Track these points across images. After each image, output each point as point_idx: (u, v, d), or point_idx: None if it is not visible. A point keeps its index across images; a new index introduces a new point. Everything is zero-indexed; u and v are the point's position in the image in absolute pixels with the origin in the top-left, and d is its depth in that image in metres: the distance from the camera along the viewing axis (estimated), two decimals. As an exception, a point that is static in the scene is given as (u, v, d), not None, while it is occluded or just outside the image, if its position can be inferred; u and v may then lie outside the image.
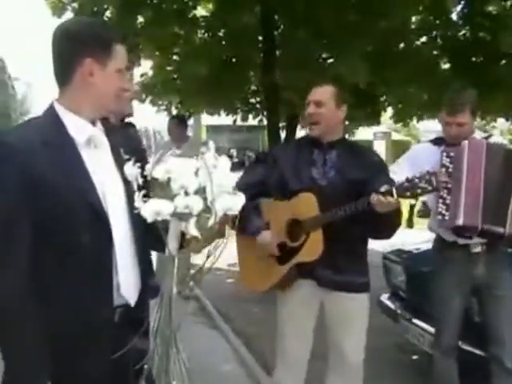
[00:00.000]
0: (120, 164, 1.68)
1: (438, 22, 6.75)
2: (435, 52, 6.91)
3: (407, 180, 2.39)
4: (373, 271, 4.62)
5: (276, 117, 6.59)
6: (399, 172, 2.84)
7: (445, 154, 2.90)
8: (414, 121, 8.24)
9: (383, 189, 2.38)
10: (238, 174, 2.84)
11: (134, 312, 1.69)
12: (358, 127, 7.71)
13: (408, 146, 33.13)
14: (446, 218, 2.89)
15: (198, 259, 1.70)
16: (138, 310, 1.70)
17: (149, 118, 6.28)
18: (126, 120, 3.09)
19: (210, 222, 1.54)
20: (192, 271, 6.99)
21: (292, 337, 2.76)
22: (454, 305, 3.06)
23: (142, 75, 7.43)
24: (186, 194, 1.53)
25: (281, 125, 7.19)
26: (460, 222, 2.83)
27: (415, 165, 2.80)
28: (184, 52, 6.89)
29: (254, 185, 2.77)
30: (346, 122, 7.99)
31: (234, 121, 8.01)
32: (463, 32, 6.85)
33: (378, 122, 8.05)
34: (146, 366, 1.56)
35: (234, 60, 6.45)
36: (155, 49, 6.73)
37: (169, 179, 1.55)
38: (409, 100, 6.91)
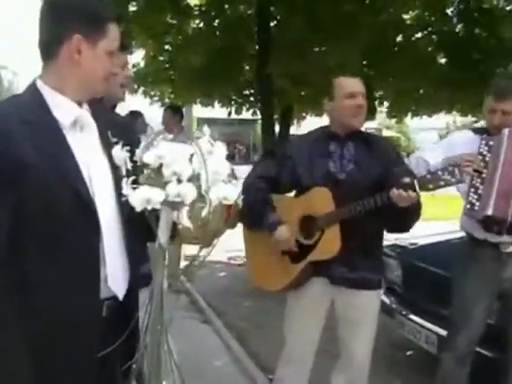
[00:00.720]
0: (108, 148, 1.58)
1: (433, 18, 6.67)
2: (431, 47, 6.83)
3: (429, 172, 2.34)
4: None
5: (270, 109, 6.50)
6: (431, 155, 2.79)
7: (484, 142, 2.76)
8: (409, 117, 8.17)
9: (404, 182, 2.31)
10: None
11: (124, 305, 1.59)
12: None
13: (398, 143, 33.34)
14: (476, 208, 2.74)
15: (190, 250, 1.60)
16: (127, 304, 1.60)
17: (142, 110, 6.13)
18: (133, 109, 2.99)
19: (204, 212, 1.44)
20: (184, 263, 6.96)
21: (300, 334, 2.69)
22: (478, 308, 2.83)
23: (133, 65, 7.30)
24: (179, 181, 1.44)
25: (275, 117, 7.10)
26: (489, 211, 2.68)
27: (451, 151, 2.69)
28: (177, 42, 6.77)
29: (266, 179, 2.69)
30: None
31: (229, 113, 7.89)
32: (459, 27, 6.78)
33: (373, 118, 7.96)
34: (134, 366, 1.47)
35: (228, 51, 6.33)
36: (147, 37, 6.60)
37: (160, 165, 1.45)
38: (404, 95, 6.82)
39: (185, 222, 1.44)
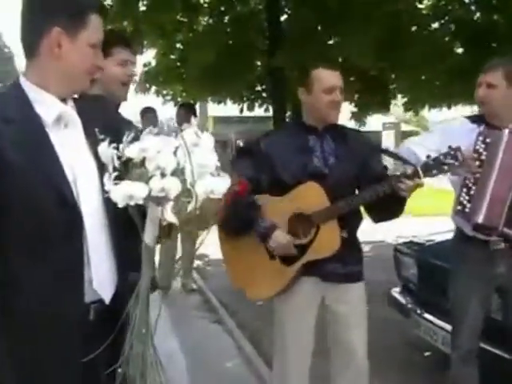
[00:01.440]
0: (94, 145, 1.48)
1: (450, 7, 6.50)
2: (448, 37, 6.66)
3: (431, 159, 2.27)
4: (383, 264, 4.43)
5: (282, 104, 6.39)
6: (426, 140, 2.68)
7: (481, 138, 2.59)
8: (426, 110, 7.99)
9: (409, 171, 2.27)
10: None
11: (112, 309, 1.50)
12: (367, 116, 7.45)
13: None
14: (467, 210, 2.61)
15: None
16: (116, 307, 1.51)
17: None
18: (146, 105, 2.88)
19: (190, 207, 1.35)
20: (197, 263, 6.92)
21: (294, 336, 2.56)
22: (472, 305, 2.74)
23: (145, 65, 7.27)
24: (163, 175, 1.35)
25: (288, 114, 7.00)
26: (479, 219, 2.57)
27: (446, 139, 2.52)
28: (187, 39, 6.71)
29: (248, 180, 2.50)
30: (355, 109, 7.76)
31: (241, 110, 7.81)
32: (477, 16, 6.60)
33: (388, 110, 7.81)
34: (119, 370, 1.38)
35: (238, 47, 6.24)
36: (158, 36, 6.55)
37: (144, 159, 1.37)
38: (420, 87, 6.65)
39: (169, 217, 1.34)
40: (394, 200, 2.34)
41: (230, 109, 8.66)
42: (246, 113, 8.04)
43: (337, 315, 2.56)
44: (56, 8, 1.45)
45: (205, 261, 7.18)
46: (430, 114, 9.93)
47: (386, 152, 2.66)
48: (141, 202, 1.34)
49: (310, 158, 2.50)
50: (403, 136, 22.96)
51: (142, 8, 6.50)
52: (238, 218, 2.42)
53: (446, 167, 2.26)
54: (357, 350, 2.55)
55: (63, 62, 1.47)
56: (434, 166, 2.28)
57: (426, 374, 3.83)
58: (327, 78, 2.49)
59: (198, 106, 9.57)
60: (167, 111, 7.37)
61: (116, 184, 1.36)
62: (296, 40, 5.50)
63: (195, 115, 6.17)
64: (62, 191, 1.42)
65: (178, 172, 1.35)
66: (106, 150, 1.45)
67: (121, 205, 1.34)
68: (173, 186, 1.33)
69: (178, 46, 7.06)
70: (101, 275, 1.48)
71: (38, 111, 1.46)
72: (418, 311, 3.72)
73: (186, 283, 6.14)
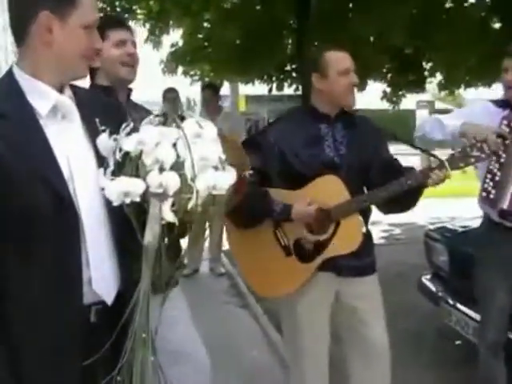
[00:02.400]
0: (95, 137, 1.40)
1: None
2: (484, 13, 6.33)
3: (458, 151, 2.22)
4: (414, 247, 4.23)
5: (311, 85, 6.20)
6: (448, 120, 2.54)
7: (505, 121, 2.50)
8: (461, 89, 7.69)
9: (436, 165, 2.21)
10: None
11: (116, 310, 1.41)
12: (401, 96, 7.19)
13: None
14: (491, 196, 2.54)
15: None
16: (119, 308, 1.41)
17: (184, 91, 6.07)
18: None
19: (191, 204, 1.25)
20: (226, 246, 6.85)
21: (310, 334, 2.43)
22: (498, 296, 2.65)
23: (172, 45, 7.17)
24: (162, 170, 1.25)
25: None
26: (504, 205, 2.51)
27: (471, 119, 2.46)
28: (214, 18, 6.57)
29: (255, 172, 2.33)
30: (388, 89, 7.49)
31: (270, 90, 7.65)
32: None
33: (423, 90, 7.53)
34: (118, 378, 1.30)
35: (267, 25, 6.07)
36: (184, 16, 6.43)
37: (141, 152, 1.27)
38: (456, 65, 6.36)
39: (167, 215, 1.25)
40: (410, 193, 2.25)
41: (263, 87, 8.49)
42: (275, 91, 7.86)
43: (353, 310, 2.44)
44: None
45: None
46: (466, 92, 9.56)
47: (400, 140, 2.52)
48: (137, 200, 1.25)
49: (321, 147, 2.37)
50: (438, 114, 22.46)
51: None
52: (250, 208, 2.25)
53: (472, 160, 2.20)
54: (378, 345, 2.44)
55: (55, 47, 1.37)
56: (460, 159, 2.20)
57: (456, 364, 3.69)
58: (341, 59, 2.37)
59: (228, 85, 9.43)
60: (195, 91, 7.27)
61: (112, 180, 1.28)
62: (326, 18, 5.31)
63: (220, 97, 6.07)
64: (58, 190, 1.33)
65: (178, 166, 1.25)
66: (105, 142, 1.36)
67: (116, 203, 1.25)
68: (172, 182, 1.23)
69: (206, 25, 6.93)
70: (102, 276, 1.40)
71: (31, 102, 1.37)
72: (449, 300, 3.58)
73: (215, 267, 6.09)
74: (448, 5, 6.10)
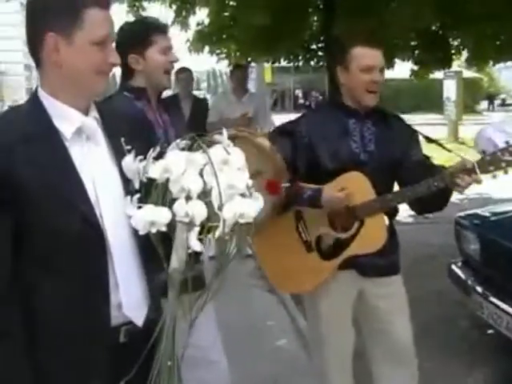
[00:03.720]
0: (120, 158, 1.39)
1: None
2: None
3: (488, 154, 2.13)
4: (445, 228, 4.05)
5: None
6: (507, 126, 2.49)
7: None
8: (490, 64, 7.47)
9: (465, 168, 2.13)
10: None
11: (148, 330, 1.40)
12: (429, 72, 7.00)
13: (480, 85, 30.73)
14: None
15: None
16: (151, 328, 1.40)
17: (211, 68, 6.05)
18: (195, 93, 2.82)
19: (218, 233, 1.23)
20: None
21: (335, 331, 2.43)
22: None
23: (198, 24, 7.08)
24: (188, 198, 1.23)
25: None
26: None
27: None
28: (240, -3, 6.45)
29: (285, 162, 2.31)
30: (416, 67, 7.30)
31: (296, 67, 7.54)
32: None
33: (450, 67, 7.31)
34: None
35: (292, 4, 5.93)
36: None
37: (167, 180, 1.25)
38: (484, 42, 6.13)
39: (194, 245, 1.23)
40: (440, 193, 2.19)
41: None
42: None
43: (377, 310, 2.42)
44: (47, 11, 1.34)
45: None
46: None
47: (428, 138, 2.46)
48: (163, 229, 1.23)
49: (348, 143, 2.34)
50: (465, 84, 21.80)
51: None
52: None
53: (503, 164, 2.10)
54: (402, 344, 2.42)
55: (65, 67, 1.36)
56: (491, 163, 2.10)
57: (488, 357, 3.65)
58: (366, 55, 2.30)
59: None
60: (222, 69, 7.20)
61: (140, 207, 1.26)
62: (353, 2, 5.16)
63: (247, 77, 6.01)
64: (85, 214, 1.34)
65: (205, 194, 1.23)
66: (130, 164, 1.35)
67: (142, 232, 1.24)
68: (198, 211, 1.21)
69: (232, 3, 6.81)
70: (131, 299, 1.41)
71: (56, 125, 1.37)
72: (481, 291, 3.52)
73: (241, 248, 6.08)
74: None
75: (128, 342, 1.43)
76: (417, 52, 6.58)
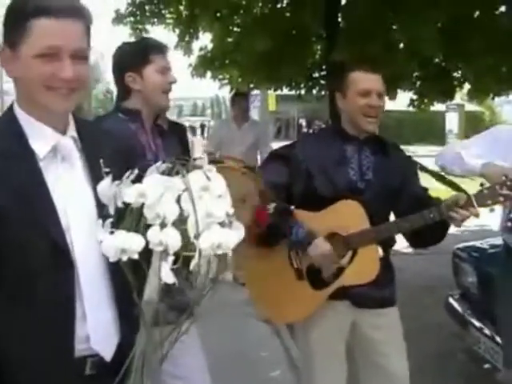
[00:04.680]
0: (96, 181, 1.32)
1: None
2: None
3: (487, 187, 2.12)
4: (443, 258, 3.99)
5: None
6: (474, 145, 2.48)
7: None
8: (491, 97, 7.48)
9: (462, 201, 2.09)
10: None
11: (115, 362, 1.34)
12: (429, 104, 7.01)
13: (482, 118, 30.96)
14: None
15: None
16: (118, 360, 1.32)
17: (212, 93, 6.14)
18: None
19: (193, 264, 1.18)
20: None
21: (326, 364, 2.35)
22: None
23: (200, 49, 7.12)
24: (163, 225, 1.18)
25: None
26: None
27: (495, 149, 2.37)
28: (244, 23, 6.49)
29: (277, 187, 2.30)
30: (415, 97, 7.30)
31: (298, 96, 7.57)
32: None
33: (452, 99, 7.33)
34: None
35: (295, 32, 5.98)
36: (213, 20, 6.38)
37: (142, 205, 1.20)
38: (485, 74, 6.12)
39: (166, 276, 1.17)
40: (437, 227, 2.16)
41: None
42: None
43: (372, 343, 2.35)
44: (5, 23, 1.29)
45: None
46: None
47: (427, 171, 2.45)
48: (135, 257, 1.18)
49: (345, 170, 2.30)
50: (467, 117, 21.89)
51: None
52: (268, 227, 2.23)
53: (501, 198, 2.08)
54: (401, 381, 2.35)
55: (17, 81, 1.31)
56: (488, 196, 2.09)
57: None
58: (363, 80, 2.29)
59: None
60: (225, 95, 7.22)
61: (111, 233, 1.21)
62: (354, 27, 5.19)
63: (247, 104, 6.07)
64: (53, 237, 1.27)
65: (182, 222, 1.18)
66: (106, 188, 1.28)
67: (112, 259, 1.18)
68: (172, 240, 1.16)
69: (235, 29, 6.85)
70: (100, 332, 1.33)
71: (30, 143, 1.30)
72: (478, 325, 3.45)
73: (238, 275, 6.01)
74: (478, 13, 5.89)
75: (95, 374, 1.34)
76: (419, 83, 6.59)
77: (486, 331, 3.33)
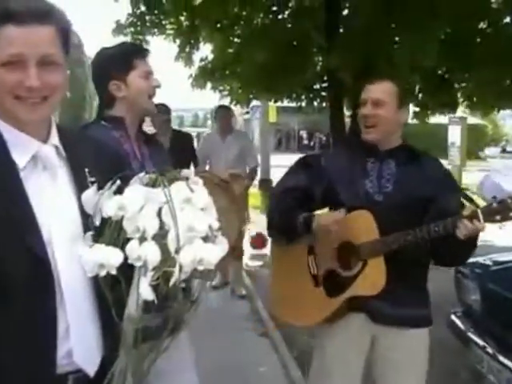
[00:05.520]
0: (81, 191, 1.26)
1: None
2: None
3: (497, 201, 1.99)
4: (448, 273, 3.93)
5: (339, 107, 6.06)
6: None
7: None
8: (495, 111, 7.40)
9: (467, 212, 2.00)
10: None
11: (97, 378, 1.27)
12: (431, 115, 6.95)
13: (485, 132, 30.71)
14: None
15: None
16: (101, 376, 1.26)
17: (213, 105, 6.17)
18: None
19: (173, 280, 1.10)
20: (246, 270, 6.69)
21: (339, 377, 2.32)
22: None
23: (201, 60, 7.07)
24: (142, 239, 1.10)
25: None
26: None
27: None
28: (244, 34, 6.46)
29: (296, 191, 2.35)
30: (417, 109, 7.23)
31: (299, 108, 7.52)
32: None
33: (454, 112, 7.26)
34: None
35: (296, 44, 5.94)
36: (214, 31, 6.34)
37: (122, 218, 1.13)
38: (487, 87, 6.04)
39: (145, 292, 1.09)
40: (453, 243, 2.06)
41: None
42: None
43: (389, 363, 2.29)
44: None
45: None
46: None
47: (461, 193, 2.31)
48: (113, 273, 1.10)
49: (363, 182, 2.27)
50: (470, 130, 21.78)
51: (198, 1, 6.33)
52: (280, 223, 2.35)
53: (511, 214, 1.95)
54: None
55: None
56: (498, 211, 1.96)
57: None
58: (363, 92, 2.30)
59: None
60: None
61: (91, 246, 1.13)
62: (353, 38, 5.14)
63: (231, 116, 6.22)
64: (34, 250, 1.20)
65: (162, 236, 1.10)
66: (91, 198, 1.22)
67: (89, 274, 1.11)
68: (151, 256, 1.08)
69: (236, 40, 6.81)
70: (83, 347, 1.27)
71: (11, 151, 1.25)
72: (481, 343, 3.34)
73: (236, 288, 5.93)
74: (482, 25, 5.83)
75: None
76: (421, 95, 6.53)
77: (489, 350, 3.23)
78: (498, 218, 1.97)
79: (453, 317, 3.77)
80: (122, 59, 2.12)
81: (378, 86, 2.27)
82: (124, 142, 2.10)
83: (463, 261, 2.33)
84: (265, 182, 10.88)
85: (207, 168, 5.79)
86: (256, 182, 8.64)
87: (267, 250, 7.43)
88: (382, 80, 2.28)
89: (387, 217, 2.17)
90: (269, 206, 2.49)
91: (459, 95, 6.63)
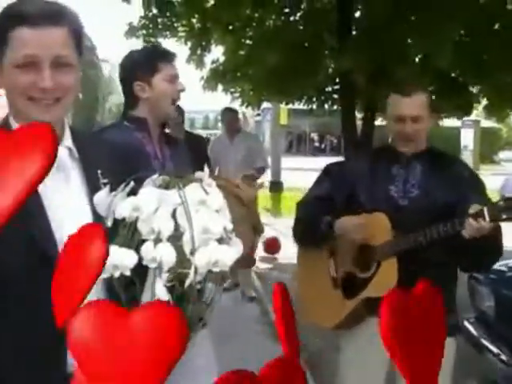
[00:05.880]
0: (94, 192, 1.27)
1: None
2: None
3: (504, 199, 1.95)
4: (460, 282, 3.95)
5: (351, 107, 6.03)
6: None
7: None
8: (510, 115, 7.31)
9: (473, 210, 1.96)
10: (320, 160, 2.57)
11: None
12: (443, 118, 6.90)
13: (500, 135, 30.50)
14: None
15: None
16: None
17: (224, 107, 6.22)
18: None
19: (188, 281, 1.08)
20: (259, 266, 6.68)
21: (357, 382, 2.33)
22: None
23: (212, 62, 7.08)
24: (157, 241, 1.09)
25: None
26: None
27: None
28: (256, 36, 6.46)
29: (321, 200, 2.40)
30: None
31: (310, 110, 7.51)
32: None
33: (469, 115, 7.21)
34: None
35: (308, 45, 5.94)
36: (226, 33, 6.35)
37: (136, 219, 1.11)
38: (504, 90, 5.99)
39: (160, 293, 1.08)
40: (470, 245, 2.02)
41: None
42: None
43: None
44: None
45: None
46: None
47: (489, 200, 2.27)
48: (128, 274, 1.09)
49: (387, 187, 2.29)
50: (483, 133, 21.56)
51: (211, 2, 6.35)
52: (305, 230, 2.44)
53: None
54: None
55: (6, 92, 1.27)
56: (504, 209, 1.92)
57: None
58: (397, 104, 2.29)
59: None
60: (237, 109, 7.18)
61: (104, 247, 1.12)
62: (366, 39, 5.12)
63: (237, 118, 6.33)
64: (45, 251, 1.20)
65: (177, 237, 1.09)
66: (103, 199, 1.20)
67: (104, 275, 1.10)
68: (166, 257, 1.07)
69: (248, 42, 6.82)
70: None
71: None
72: (494, 350, 3.30)
73: (246, 290, 5.92)
74: (497, 26, 5.78)
75: None
76: (434, 97, 6.47)
77: (503, 357, 3.19)
78: (504, 217, 1.93)
79: (466, 323, 3.73)
80: (147, 61, 2.17)
81: (415, 99, 2.25)
82: (146, 142, 2.14)
83: (487, 266, 2.33)
84: (275, 185, 10.87)
85: (216, 171, 5.82)
86: (267, 183, 8.65)
87: (278, 255, 7.43)
88: (417, 92, 2.27)
89: (413, 220, 2.17)
90: (296, 215, 2.52)
91: (473, 98, 6.57)
